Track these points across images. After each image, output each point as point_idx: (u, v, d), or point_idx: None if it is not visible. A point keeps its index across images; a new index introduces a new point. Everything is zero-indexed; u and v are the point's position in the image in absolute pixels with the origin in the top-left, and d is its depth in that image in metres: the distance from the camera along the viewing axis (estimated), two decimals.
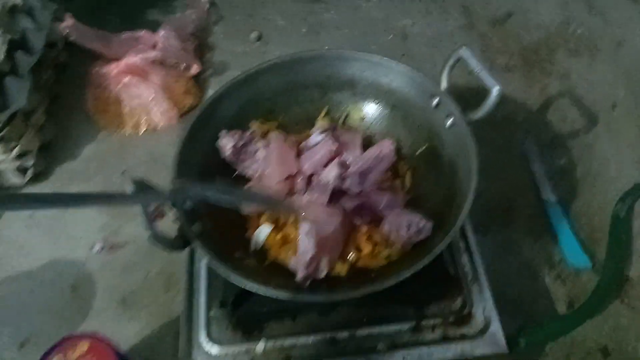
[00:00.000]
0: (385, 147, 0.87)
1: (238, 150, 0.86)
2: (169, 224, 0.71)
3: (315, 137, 0.88)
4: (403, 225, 0.76)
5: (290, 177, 0.86)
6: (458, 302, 0.81)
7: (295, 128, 0.93)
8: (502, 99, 1.17)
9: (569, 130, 1.15)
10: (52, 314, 0.92)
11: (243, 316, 0.80)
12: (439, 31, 1.34)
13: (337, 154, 0.86)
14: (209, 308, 0.81)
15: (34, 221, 1.03)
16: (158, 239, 0.64)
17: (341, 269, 0.77)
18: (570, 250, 0.97)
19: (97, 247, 0.99)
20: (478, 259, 0.84)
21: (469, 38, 1.31)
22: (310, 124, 0.93)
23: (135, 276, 0.96)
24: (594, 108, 1.18)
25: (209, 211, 0.73)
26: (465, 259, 0.84)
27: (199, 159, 0.82)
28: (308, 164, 0.86)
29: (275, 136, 0.88)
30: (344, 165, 0.84)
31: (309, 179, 0.86)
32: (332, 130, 0.90)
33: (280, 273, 0.77)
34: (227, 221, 0.78)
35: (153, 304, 0.93)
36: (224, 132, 0.85)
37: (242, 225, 0.84)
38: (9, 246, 1.00)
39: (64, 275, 0.96)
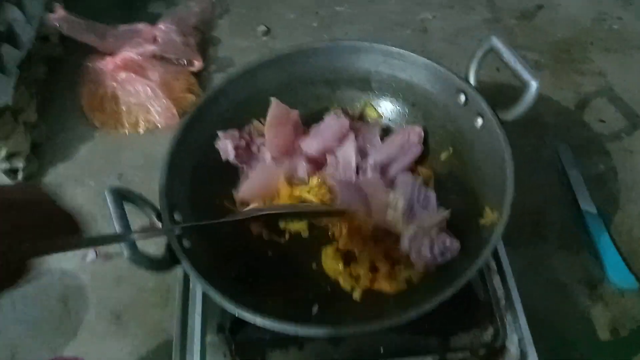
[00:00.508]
0: (412, 135, 0.78)
1: (242, 151, 0.79)
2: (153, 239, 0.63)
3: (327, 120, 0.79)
4: (425, 243, 0.66)
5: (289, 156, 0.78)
6: (489, 332, 0.70)
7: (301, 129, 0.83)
8: None
9: (607, 133, 1.05)
10: (39, 329, 0.86)
11: (243, 343, 0.71)
12: (461, 26, 1.24)
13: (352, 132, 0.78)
14: (204, 333, 0.72)
15: None
16: (139, 258, 0.55)
17: (355, 291, 0.68)
18: (614, 267, 0.87)
19: (90, 256, 0.94)
20: (512, 281, 0.74)
21: (494, 33, 1.21)
22: (315, 121, 0.84)
23: (129, 289, 0.90)
24: (633, 109, 1.08)
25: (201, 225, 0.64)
26: (497, 281, 0.74)
27: (193, 161, 0.74)
28: (317, 141, 0.78)
29: (274, 103, 0.79)
30: (361, 152, 0.76)
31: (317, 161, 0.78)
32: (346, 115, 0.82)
33: (282, 295, 0.68)
34: (221, 235, 0.69)
35: (149, 320, 0.86)
36: (220, 133, 0.76)
37: (238, 238, 0.75)
38: None
39: (52, 288, 0.90)
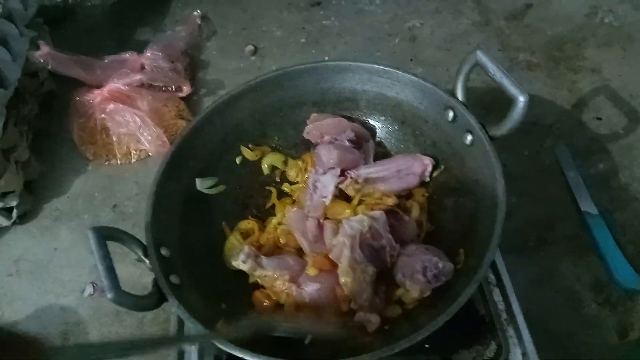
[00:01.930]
0: (417, 165, 0.76)
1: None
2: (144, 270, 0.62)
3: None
4: (417, 268, 0.64)
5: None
6: (492, 348, 0.68)
7: (290, 152, 0.83)
8: (528, 101, 1.08)
9: (606, 131, 1.03)
10: None
11: None
12: (451, 31, 1.22)
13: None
14: None
15: (18, 267, 0.97)
16: (123, 299, 0.54)
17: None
18: (619, 268, 0.85)
19: (88, 290, 0.93)
20: (512, 293, 0.72)
21: (484, 36, 1.20)
22: (308, 147, 0.82)
23: (129, 321, 0.88)
24: (632, 104, 1.06)
25: (187, 259, 0.63)
26: (497, 294, 0.72)
27: (182, 193, 0.74)
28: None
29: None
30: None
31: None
32: None
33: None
34: (209, 269, 0.68)
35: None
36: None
37: (226, 272, 0.74)
38: None
39: (52, 324, 0.89)
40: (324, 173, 0.75)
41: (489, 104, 0.89)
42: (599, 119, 1.04)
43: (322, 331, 0.66)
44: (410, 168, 0.76)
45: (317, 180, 0.76)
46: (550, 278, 0.86)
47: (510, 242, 0.89)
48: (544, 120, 1.05)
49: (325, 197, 0.74)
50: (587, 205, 0.91)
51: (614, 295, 0.84)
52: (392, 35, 1.23)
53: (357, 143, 0.80)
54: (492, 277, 0.73)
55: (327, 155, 0.76)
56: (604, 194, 0.94)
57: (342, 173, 0.76)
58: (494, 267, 0.74)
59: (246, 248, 0.71)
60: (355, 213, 0.72)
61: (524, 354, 0.67)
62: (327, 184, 0.74)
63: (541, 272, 0.87)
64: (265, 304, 0.70)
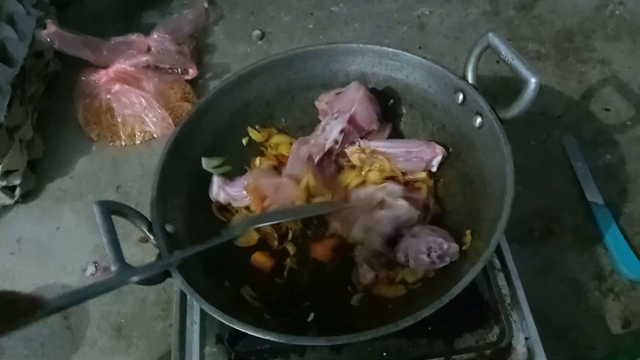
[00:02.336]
0: (427, 151, 0.75)
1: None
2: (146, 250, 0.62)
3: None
4: (422, 249, 0.64)
5: None
6: (495, 332, 0.68)
7: (297, 134, 0.83)
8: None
9: (613, 123, 1.02)
10: (42, 346, 0.86)
11: (242, 353, 0.69)
12: (460, 20, 1.21)
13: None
14: (203, 344, 0.71)
15: (21, 246, 0.97)
16: (127, 272, 0.54)
17: (354, 297, 0.66)
18: (624, 258, 0.84)
19: (90, 269, 0.93)
20: (517, 279, 0.71)
21: (493, 26, 1.19)
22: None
23: (130, 302, 0.89)
24: (639, 96, 1.04)
25: (192, 235, 0.63)
26: (501, 279, 0.71)
27: (188, 172, 0.74)
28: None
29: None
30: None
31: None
32: None
33: (280, 303, 0.66)
34: (214, 246, 0.67)
35: (150, 333, 0.86)
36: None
37: (231, 248, 0.73)
38: None
39: None
40: (336, 117, 0.75)
41: (495, 93, 0.89)
42: (607, 110, 1.03)
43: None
44: (421, 153, 0.76)
45: (327, 123, 0.76)
46: (555, 268, 0.86)
47: (516, 231, 0.88)
48: (552, 110, 1.04)
49: (327, 139, 0.74)
50: (594, 196, 0.91)
51: (618, 285, 0.83)
52: (401, 23, 1.22)
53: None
54: (497, 262, 0.73)
55: (355, 92, 0.75)
56: (611, 185, 0.93)
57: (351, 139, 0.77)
58: (499, 252, 0.73)
59: (215, 178, 0.73)
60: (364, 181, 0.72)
61: (527, 338, 0.67)
62: (334, 127, 0.74)
63: (546, 261, 0.86)
64: (265, 264, 0.71)
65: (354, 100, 0.76)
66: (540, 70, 1.10)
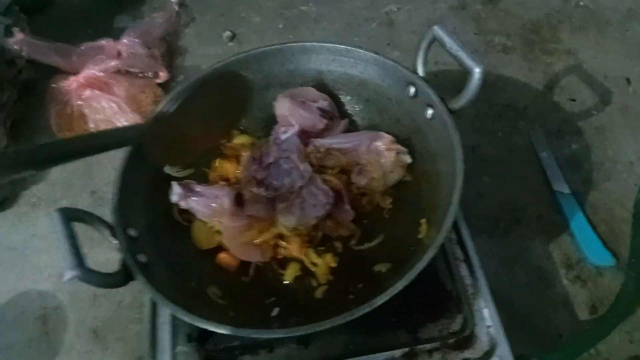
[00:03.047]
0: (379, 140, 0.76)
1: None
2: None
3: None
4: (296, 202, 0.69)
5: None
6: (458, 321, 0.70)
7: (258, 134, 0.84)
8: (502, 85, 1.09)
9: (579, 113, 1.04)
10: (20, 353, 0.86)
11: (212, 352, 0.70)
12: (428, 15, 1.23)
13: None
14: (174, 344, 0.72)
15: None
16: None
17: (317, 289, 0.68)
18: (590, 246, 0.86)
19: (67, 275, 0.92)
20: (479, 269, 0.73)
21: (460, 20, 1.21)
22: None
23: (106, 306, 0.89)
24: (605, 86, 1.07)
25: (155, 239, 0.64)
26: (463, 270, 0.73)
27: (148, 175, 0.74)
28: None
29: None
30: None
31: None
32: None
33: (245, 300, 0.67)
34: (177, 248, 0.69)
35: (127, 335, 0.86)
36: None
37: (195, 250, 0.75)
38: None
39: (30, 309, 0.90)
40: (285, 132, 0.77)
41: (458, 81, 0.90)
42: (573, 100, 1.05)
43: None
44: (375, 143, 0.77)
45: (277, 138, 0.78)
46: (522, 257, 0.87)
47: (483, 222, 0.90)
48: (518, 102, 1.06)
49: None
50: (560, 185, 0.92)
51: (584, 272, 0.85)
52: (370, 20, 1.23)
53: (328, 115, 0.81)
54: (459, 252, 0.74)
55: (282, 108, 0.78)
56: (577, 174, 0.95)
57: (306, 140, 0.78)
58: (461, 243, 0.75)
59: (175, 188, 0.73)
60: None
61: (489, 326, 0.68)
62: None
63: (512, 252, 0.88)
64: (230, 263, 0.72)
65: (284, 117, 0.78)
66: (507, 63, 1.12)
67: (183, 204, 0.73)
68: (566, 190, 0.92)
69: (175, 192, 0.73)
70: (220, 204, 0.73)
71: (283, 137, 0.74)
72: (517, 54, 1.14)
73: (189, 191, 0.73)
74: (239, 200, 0.75)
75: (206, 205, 0.73)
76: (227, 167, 0.80)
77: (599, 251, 0.86)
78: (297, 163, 0.74)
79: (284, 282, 0.72)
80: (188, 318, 0.57)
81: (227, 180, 0.80)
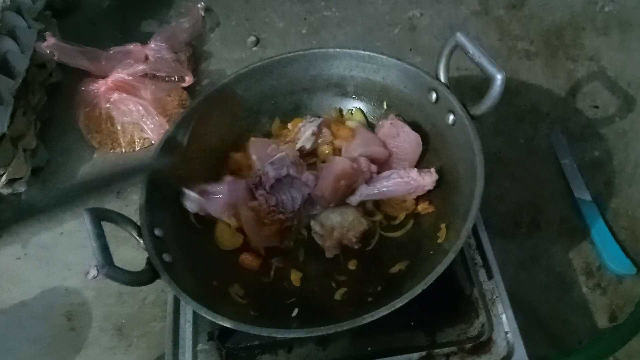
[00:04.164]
0: (417, 180, 0.75)
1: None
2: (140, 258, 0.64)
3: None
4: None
5: None
6: (476, 326, 0.70)
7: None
8: (525, 90, 1.09)
9: (602, 118, 1.03)
10: (47, 346, 0.88)
11: (233, 350, 0.72)
12: (450, 20, 1.23)
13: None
14: (196, 342, 0.74)
15: (26, 251, 1.00)
16: (114, 273, 0.57)
17: (336, 291, 0.69)
18: (610, 253, 0.86)
19: (92, 272, 0.95)
20: (497, 274, 0.73)
21: (483, 25, 1.20)
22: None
23: (131, 303, 0.91)
24: (628, 91, 1.06)
25: (180, 239, 0.66)
26: (482, 275, 0.73)
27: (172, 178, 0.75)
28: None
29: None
30: None
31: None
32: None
33: (266, 300, 0.68)
34: (201, 248, 0.70)
35: (149, 333, 0.88)
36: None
37: (218, 250, 0.76)
38: None
39: (57, 305, 0.93)
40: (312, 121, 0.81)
41: (478, 88, 0.90)
42: (596, 107, 1.04)
43: None
44: (414, 183, 0.76)
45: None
46: (541, 262, 0.87)
47: (502, 225, 0.90)
48: (541, 107, 1.05)
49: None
50: (581, 192, 0.92)
51: (605, 279, 0.85)
52: (392, 25, 1.24)
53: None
54: (478, 258, 0.75)
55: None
56: (598, 180, 0.95)
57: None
58: (480, 248, 0.75)
59: (189, 193, 0.74)
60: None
61: (507, 332, 0.69)
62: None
63: (532, 255, 0.88)
64: (252, 264, 0.74)
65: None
66: (529, 68, 1.12)
67: (200, 212, 0.74)
68: (587, 197, 0.91)
69: (190, 199, 0.74)
70: (236, 197, 0.75)
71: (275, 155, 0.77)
72: (540, 60, 1.13)
73: (203, 194, 0.75)
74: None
75: (222, 202, 0.75)
76: (239, 159, 0.82)
77: (619, 259, 0.85)
78: (296, 174, 0.76)
79: (305, 284, 0.73)
80: (211, 316, 0.59)
81: (240, 170, 0.82)
